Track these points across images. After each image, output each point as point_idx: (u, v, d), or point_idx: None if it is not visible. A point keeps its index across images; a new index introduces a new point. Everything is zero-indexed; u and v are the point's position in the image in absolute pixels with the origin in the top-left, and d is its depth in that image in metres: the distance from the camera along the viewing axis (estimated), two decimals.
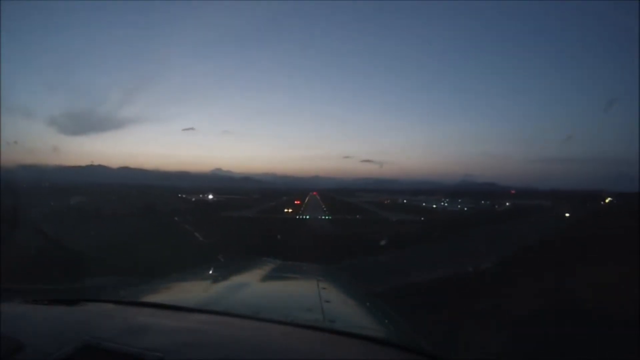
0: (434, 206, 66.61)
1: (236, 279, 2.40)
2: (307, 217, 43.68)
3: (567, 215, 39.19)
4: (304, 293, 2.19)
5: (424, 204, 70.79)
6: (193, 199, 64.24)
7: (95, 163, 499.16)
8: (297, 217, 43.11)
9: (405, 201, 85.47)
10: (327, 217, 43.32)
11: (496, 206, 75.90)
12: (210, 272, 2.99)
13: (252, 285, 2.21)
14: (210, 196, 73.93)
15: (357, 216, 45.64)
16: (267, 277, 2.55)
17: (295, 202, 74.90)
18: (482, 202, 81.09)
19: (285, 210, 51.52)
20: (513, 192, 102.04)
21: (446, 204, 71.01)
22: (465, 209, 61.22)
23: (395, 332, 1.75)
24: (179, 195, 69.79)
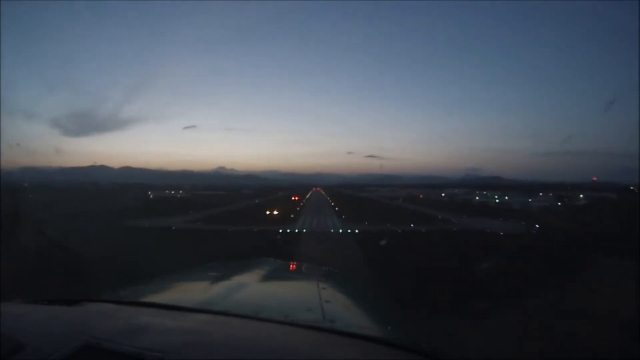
0: (497, 201, 49.07)
1: (236, 279, 2.28)
2: (305, 230, 27.63)
3: None
4: (304, 293, 2.11)
5: (477, 198, 53.38)
6: (151, 196, 63.71)
7: (98, 163, 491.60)
8: (285, 230, 26.47)
9: (443, 195, 68.41)
10: (350, 231, 25.40)
11: (565, 199, 62.02)
12: (210, 272, 2.77)
13: (252, 285, 2.16)
14: (172, 191, 78.01)
15: (415, 226, 27.74)
16: (267, 277, 2.44)
17: (293, 198, 59.66)
18: (540, 194, 65.48)
19: (268, 212, 36.55)
20: (594, 178, 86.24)
21: (507, 198, 53.55)
22: (559, 203, 43.97)
23: (395, 332, 1.74)
24: (149, 192, 70.79)
